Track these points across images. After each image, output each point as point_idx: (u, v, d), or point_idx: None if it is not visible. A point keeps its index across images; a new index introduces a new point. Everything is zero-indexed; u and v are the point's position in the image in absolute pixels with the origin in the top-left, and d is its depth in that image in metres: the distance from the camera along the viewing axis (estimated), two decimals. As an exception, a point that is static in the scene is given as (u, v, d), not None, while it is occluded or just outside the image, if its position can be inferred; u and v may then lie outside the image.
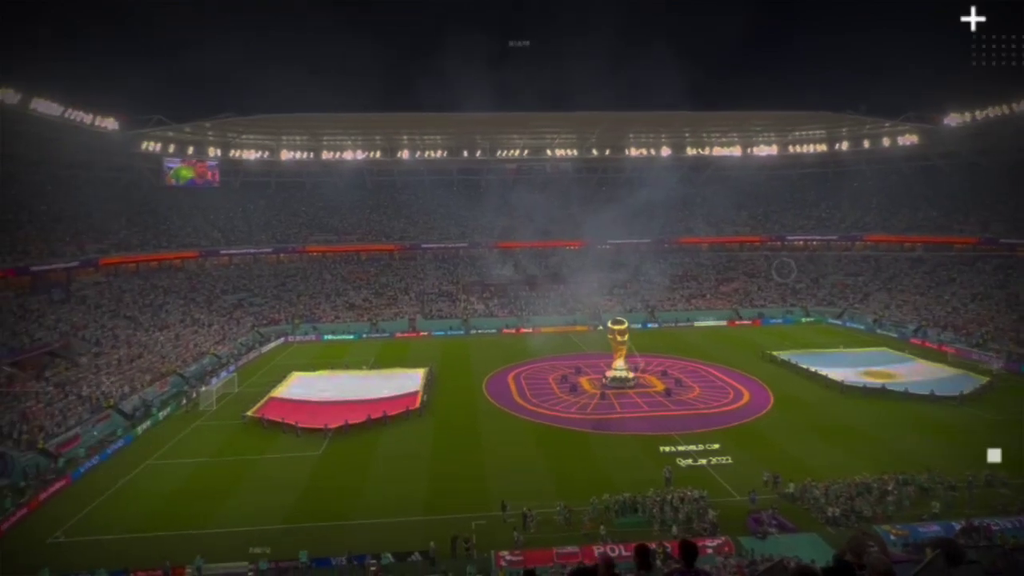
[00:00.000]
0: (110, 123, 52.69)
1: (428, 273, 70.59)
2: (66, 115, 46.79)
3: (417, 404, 35.72)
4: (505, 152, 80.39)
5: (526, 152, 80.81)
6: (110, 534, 22.58)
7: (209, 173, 69.51)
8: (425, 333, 58.90)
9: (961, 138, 63.22)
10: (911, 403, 34.71)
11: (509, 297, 65.50)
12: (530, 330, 58.82)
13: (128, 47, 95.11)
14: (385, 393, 37.53)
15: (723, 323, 60.81)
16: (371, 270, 70.65)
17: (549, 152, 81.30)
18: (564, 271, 69.41)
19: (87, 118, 49.43)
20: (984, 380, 37.67)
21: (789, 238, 74.43)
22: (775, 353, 45.79)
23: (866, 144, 74.53)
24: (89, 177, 62.89)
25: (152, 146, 64.10)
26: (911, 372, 40.36)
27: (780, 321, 61.02)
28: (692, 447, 29.02)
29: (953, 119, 60.12)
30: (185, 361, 44.72)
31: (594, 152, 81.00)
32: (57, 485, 26.23)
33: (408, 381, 40.22)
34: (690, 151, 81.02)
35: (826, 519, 22.17)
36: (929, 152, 69.10)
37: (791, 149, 79.76)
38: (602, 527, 21.75)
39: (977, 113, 57.19)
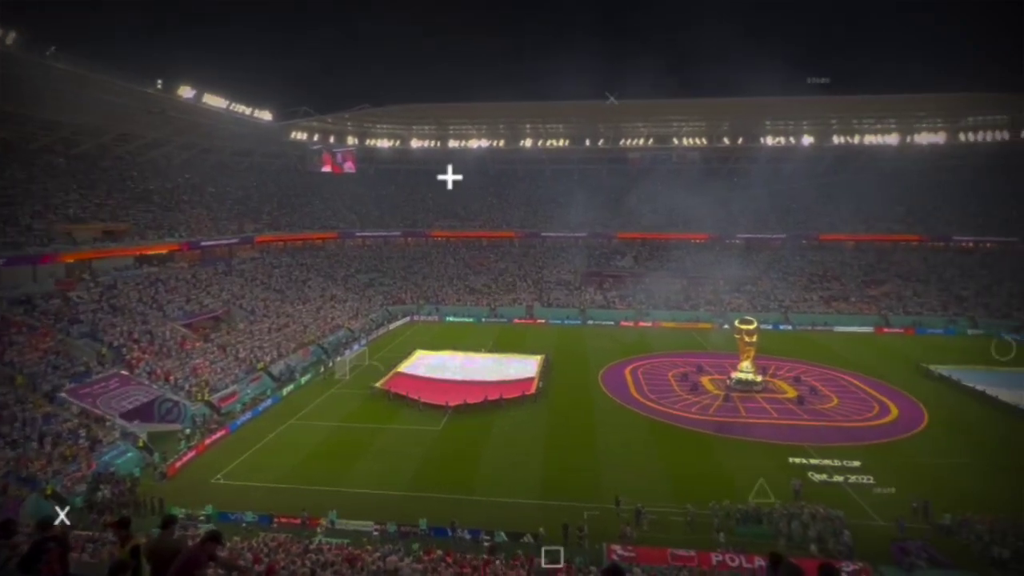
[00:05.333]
0: (265, 115, 58.56)
1: (547, 261, 71.01)
2: (230, 108, 52.59)
3: (533, 389, 36.14)
4: (628, 141, 78.29)
5: (651, 141, 78.04)
6: (259, 481, 25.31)
7: (348, 160, 75.02)
8: (542, 321, 59.35)
9: None
10: (1113, 437, 29.20)
11: (628, 289, 64.06)
12: (649, 324, 57.15)
13: (278, 45, 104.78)
14: (502, 376, 38.42)
15: (869, 330, 54.94)
16: (491, 256, 72.44)
17: (675, 141, 77.95)
18: (688, 265, 66.47)
19: (247, 110, 55.24)
20: None
21: (955, 238, 65.55)
22: (933, 367, 40.63)
23: (1065, 131, 63.32)
24: (249, 163, 70.72)
25: (299, 135, 70.32)
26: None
27: (940, 332, 53.89)
28: (827, 461, 26.57)
29: None
30: (323, 333, 48.81)
31: (725, 141, 76.36)
32: (219, 434, 29.87)
33: (525, 366, 40.82)
34: (836, 139, 73.62)
35: (991, 560, 19.29)
36: None
37: (962, 137, 69.76)
38: (721, 534, 20.65)
39: None
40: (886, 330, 54.98)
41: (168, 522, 6.63)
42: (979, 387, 36.00)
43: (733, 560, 19.18)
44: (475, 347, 47.33)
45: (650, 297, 61.45)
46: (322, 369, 41.80)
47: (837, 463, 26.41)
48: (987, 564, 19.19)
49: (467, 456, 27.71)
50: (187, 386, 33.20)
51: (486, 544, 20.11)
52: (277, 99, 61.99)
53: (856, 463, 26.38)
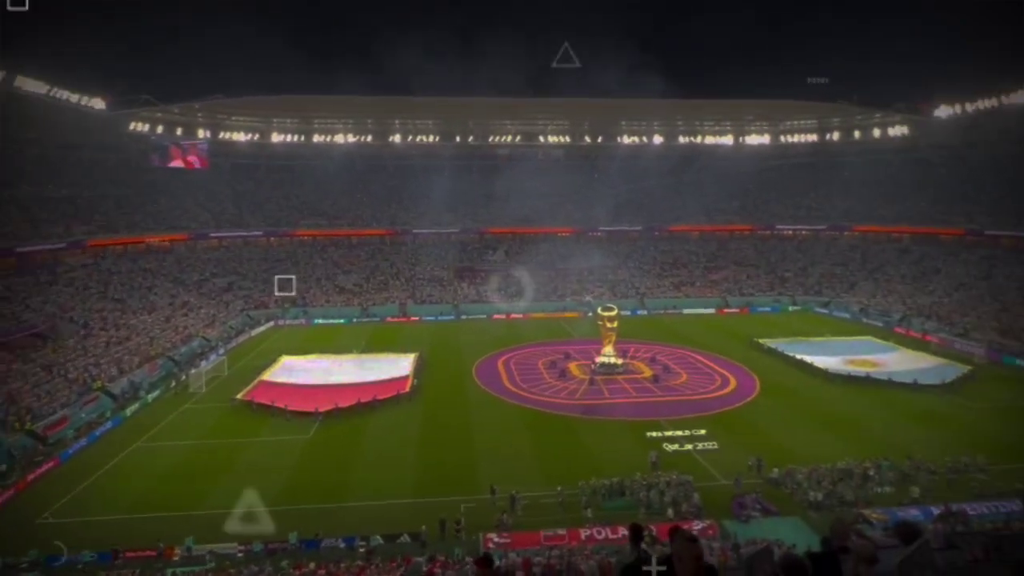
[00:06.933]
0: (97, 103, 51.93)
1: (419, 258, 70.41)
2: (52, 94, 46.00)
3: (407, 388, 35.88)
4: (497, 138, 79.99)
5: (518, 138, 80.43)
6: (99, 515, 22.66)
7: (197, 155, 68.62)
8: (416, 318, 58.91)
9: (951, 130, 63.60)
10: (894, 391, 35.22)
11: (499, 283, 65.53)
12: (520, 316, 58.96)
13: (122, 26, 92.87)
14: (375, 377, 37.68)
15: (712, 311, 61.20)
16: (362, 255, 70.36)
17: (541, 139, 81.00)
18: (554, 258, 69.45)
19: (73, 97, 48.64)
20: (966, 369, 38.21)
21: (778, 227, 74.92)
22: (762, 341, 46.27)
23: (856, 135, 75.04)
24: (77, 158, 62.09)
25: (140, 127, 63.27)
26: (895, 361, 40.96)
27: (768, 310, 61.55)
28: (679, 432, 29.37)
29: (944, 111, 60.54)
30: (174, 344, 44.53)
31: (586, 139, 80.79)
32: (45, 467, 26.22)
33: (398, 365, 40.36)
34: (682, 139, 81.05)
35: (808, 503, 22.58)
36: (919, 143, 69.58)
37: (783, 139, 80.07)
38: (589, 510, 22.06)
39: (967, 105, 57.62)
40: (726, 311, 61.57)
41: None
42: (798, 356, 41.72)
43: (600, 533, 20.60)
44: (346, 349, 45.89)
45: (520, 290, 63.37)
46: (173, 383, 38.14)
47: (687, 433, 29.29)
48: (805, 507, 22.44)
49: (340, 462, 26.94)
50: (1, 415, 28.71)
51: (362, 550, 19.79)
52: (114, 86, 54.90)
53: (703, 431, 29.47)
